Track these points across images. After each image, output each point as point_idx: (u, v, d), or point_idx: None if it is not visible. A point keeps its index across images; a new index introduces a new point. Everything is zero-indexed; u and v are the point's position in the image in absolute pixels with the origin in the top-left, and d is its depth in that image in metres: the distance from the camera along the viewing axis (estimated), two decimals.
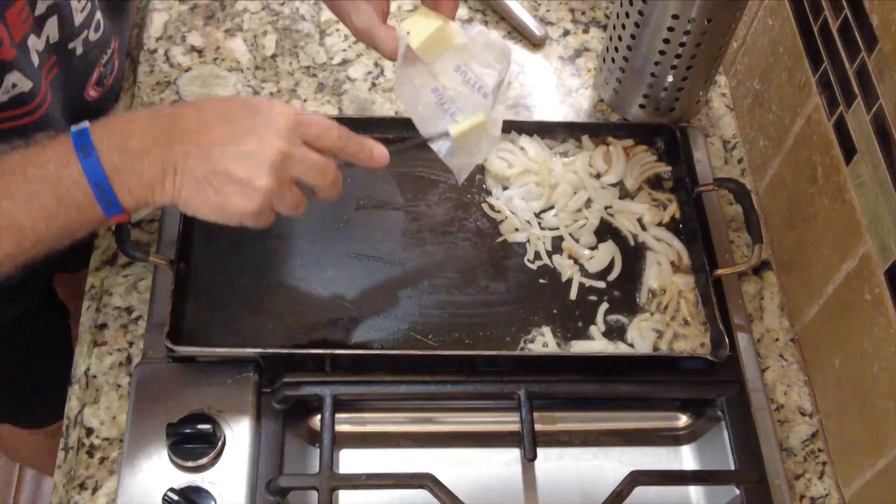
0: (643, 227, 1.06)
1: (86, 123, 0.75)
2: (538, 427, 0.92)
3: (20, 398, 1.30)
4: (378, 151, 0.84)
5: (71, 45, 0.91)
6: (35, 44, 0.85)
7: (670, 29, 1.03)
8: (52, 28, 0.87)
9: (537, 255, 1.03)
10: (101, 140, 0.74)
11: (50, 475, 1.78)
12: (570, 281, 1.01)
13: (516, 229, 1.04)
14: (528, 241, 1.04)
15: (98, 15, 0.94)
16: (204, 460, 0.87)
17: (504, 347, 0.97)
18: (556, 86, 1.21)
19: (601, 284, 1.02)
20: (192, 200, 0.77)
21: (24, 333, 1.17)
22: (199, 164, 0.75)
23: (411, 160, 1.09)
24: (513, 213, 1.05)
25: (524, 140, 1.10)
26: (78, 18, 0.90)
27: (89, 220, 0.76)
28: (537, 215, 1.06)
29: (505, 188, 1.08)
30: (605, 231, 1.05)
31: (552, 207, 1.07)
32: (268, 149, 0.76)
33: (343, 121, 1.10)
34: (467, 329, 0.97)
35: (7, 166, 0.74)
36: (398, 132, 1.11)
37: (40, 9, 0.84)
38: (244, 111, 0.78)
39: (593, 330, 0.98)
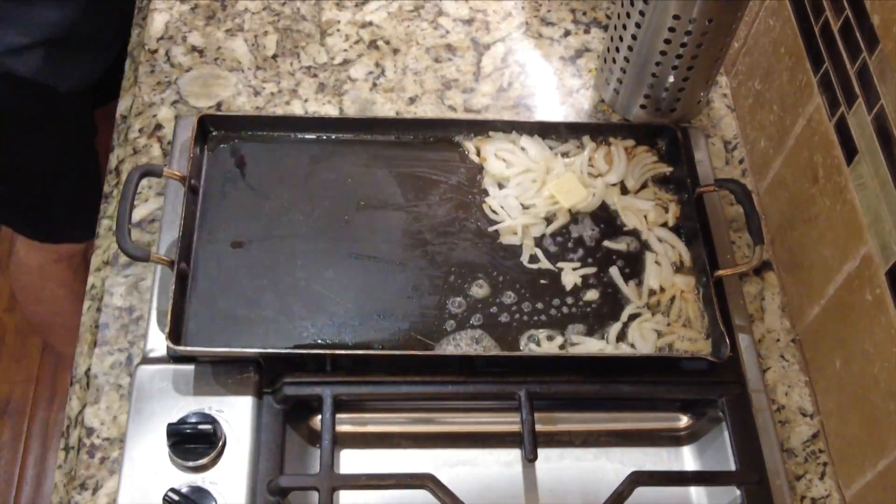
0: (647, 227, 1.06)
1: None
2: (539, 427, 0.92)
3: (40, 208, 1.37)
4: None
5: None
6: None
7: (671, 29, 1.03)
8: None
9: (533, 258, 1.03)
10: None
11: (62, 340, 1.76)
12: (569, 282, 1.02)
13: (514, 233, 1.04)
14: (522, 244, 1.04)
15: None
16: (204, 460, 0.87)
17: (505, 348, 0.97)
18: (556, 86, 1.21)
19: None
20: None
21: (57, 139, 1.23)
22: None
23: (412, 161, 1.09)
24: (509, 215, 1.05)
25: (524, 140, 1.10)
26: None
27: None
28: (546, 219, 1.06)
29: (502, 187, 1.08)
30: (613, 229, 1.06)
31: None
32: None
33: (344, 121, 1.11)
34: (468, 330, 0.97)
35: None
36: (399, 132, 1.11)
37: None
38: None
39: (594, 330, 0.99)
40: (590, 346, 0.97)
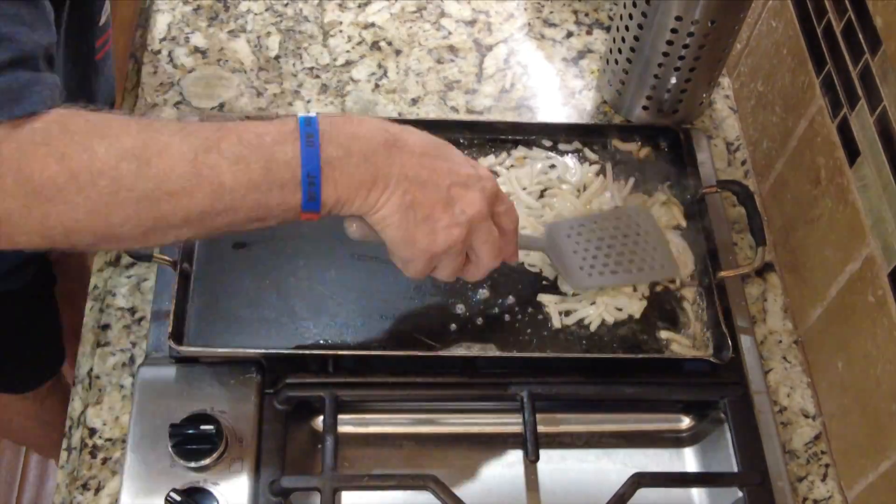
0: None
1: (314, 114, 0.74)
2: (541, 428, 0.92)
3: (8, 365, 1.31)
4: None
5: None
6: None
7: (673, 31, 1.03)
8: None
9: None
10: (326, 132, 0.72)
11: (42, 450, 1.78)
12: None
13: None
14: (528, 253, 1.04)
15: None
16: (206, 461, 0.87)
17: (507, 349, 0.96)
18: (559, 87, 1.21)
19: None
20: (390, 220, 0.76)
21: (13, 305, 1.19)
22: (412, 191, 0.75)
23: None
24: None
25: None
26: None
27: (284, 208, 0.73)
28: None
29: None
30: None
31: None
32: (473, 205, 0.78)
33: None
34: (470, 330, 0.97)
35: (226, 127, 0.71)
36: None
37: None
38: (460, 157, 0.80)
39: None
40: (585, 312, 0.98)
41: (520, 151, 1.10)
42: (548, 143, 1.11)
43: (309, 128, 0.72)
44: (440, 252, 0.78)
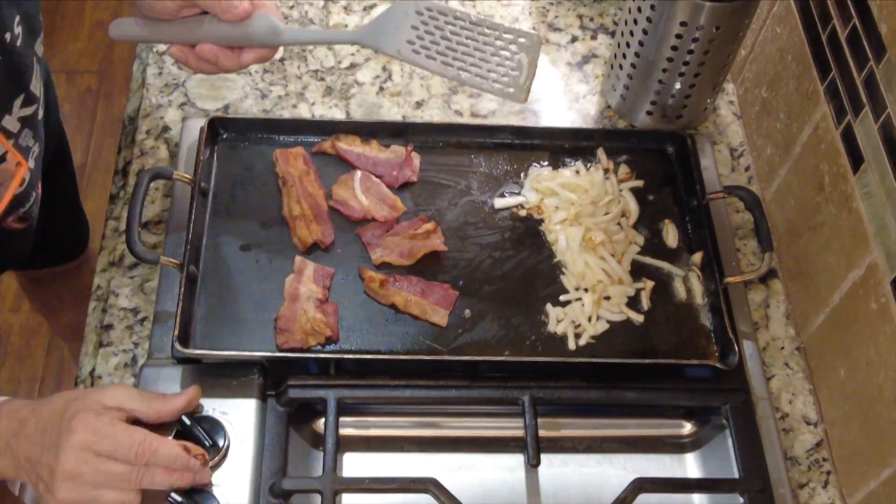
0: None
1: None
2: (542, 433, 0.92)
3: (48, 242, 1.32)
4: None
5: None
6: None
7: (678, 36, 1.03)
8: None
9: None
10: None
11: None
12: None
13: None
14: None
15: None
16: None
17: (511, 352, 0.96)
18: (563, 92, 1.21)
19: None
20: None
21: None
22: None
23: (421, 165, 1.09)
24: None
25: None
26: None
27: None
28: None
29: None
30: None
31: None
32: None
33: (351, 125, 1.11)
34: (473, 334, 0.97)
35: None
36: (406, 137, 1.11)
37: None
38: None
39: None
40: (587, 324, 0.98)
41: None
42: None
43: None
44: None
